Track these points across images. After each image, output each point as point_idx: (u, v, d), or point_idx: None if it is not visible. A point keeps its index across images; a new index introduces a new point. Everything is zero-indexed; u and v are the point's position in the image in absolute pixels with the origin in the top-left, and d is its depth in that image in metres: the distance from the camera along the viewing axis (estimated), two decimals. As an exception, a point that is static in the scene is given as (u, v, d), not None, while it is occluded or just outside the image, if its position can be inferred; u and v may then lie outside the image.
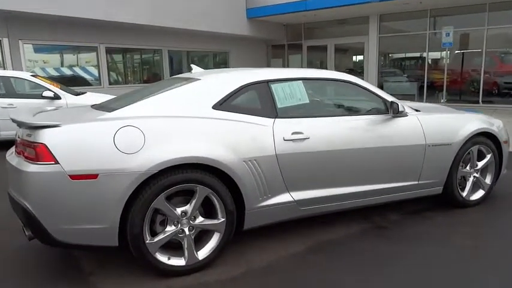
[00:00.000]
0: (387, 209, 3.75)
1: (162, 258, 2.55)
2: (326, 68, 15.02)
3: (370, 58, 13.83)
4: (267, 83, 2.99)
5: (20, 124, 2.48)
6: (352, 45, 14.81)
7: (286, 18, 14.20)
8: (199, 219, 2.64)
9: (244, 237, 3.09)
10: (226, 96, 2.82)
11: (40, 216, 2.31)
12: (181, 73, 13.63)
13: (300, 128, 2.92)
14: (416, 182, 3.48)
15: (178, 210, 2.56)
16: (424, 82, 13.24)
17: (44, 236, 2.37)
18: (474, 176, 3.86)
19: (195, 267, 2.63)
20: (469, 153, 3.75)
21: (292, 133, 2.89)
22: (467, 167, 3.81)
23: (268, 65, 16.64)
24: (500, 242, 3.06)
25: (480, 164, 3.86)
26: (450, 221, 3.53)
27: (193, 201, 2.58)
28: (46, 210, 2.32)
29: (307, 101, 3.09)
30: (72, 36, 10.39)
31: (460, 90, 12.85)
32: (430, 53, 13.09)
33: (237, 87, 2.88)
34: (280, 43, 16.03)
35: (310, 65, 15.70)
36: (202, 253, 2.66)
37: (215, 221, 2.67)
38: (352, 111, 3.35)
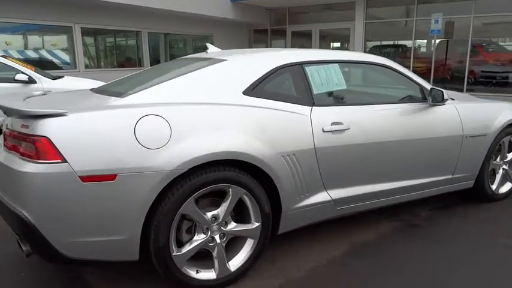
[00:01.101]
0: (414, 205, 3.45)
1: (191, 272, 2.15)
2: (310, 54, 14.67)
3: (356, 44, 13.57)
4: (301, 65, 2.59)
5: (11, 112, 1.99)
6: (337, 32, 14.49)
7: (270, 1, 13.70)
8: (232, 225, 2.24)
9: (271, 241, 2.72)
10: (258, 80, 2.41)
11: (42, 227, 1.85)
12: (159, 57, 13.00)
13: (340, 118, 2.56)
14: (450, 176, 3.20)
15: (209, 215, 2.15)
16: (410, 69, 13.12)
17: (48, 251, 1.91)
18: (503, 169, 3.63)
19: (226, 281, 2.24)
20: (500, 144, 3.50)
21: (332, 123, 2.52)
22: (497, 159, 3.57)
23: (250, 51, 16.10)
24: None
25: (510, 156, 3.63)
26: (483, 217, 3.29)
27: (226, 204, 2.18)
28: (50, 221, 1.86)
29: (345, 87, 2.72)
30: (43, 15, 9.54)
31: (445, 78, 12.83)
32: (416, 41, 12.96)
33: (270, 69, 2.47)
34: (263, 28, 15.51)
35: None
36: (234, 263, 2.28)
37: (249, 226, 2.28)
38: (390, 98, 3.01)
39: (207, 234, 2.17)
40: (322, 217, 2.63)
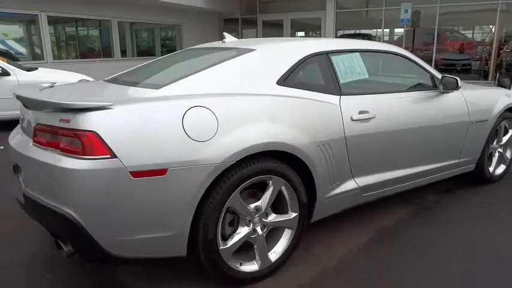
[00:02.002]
0: (420, 190, 3.57)
1: (235, 265, 2.12)
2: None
3: (327, 34, 13.73)
4: (327, 54, 2.59)
5: (47, 105, 1.87)
6: (309, 21, 14.60)
7: (242, -10, 13.60)
8: (272, 216, 2.23)
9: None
10: (289, 69, 2.38)
11: (89, 226, 1.76)
12: (125, 46, 12.51)
13: (365, 106, 2.59)
14: (457, 160, 3.33)
15: (251, 207, 2.13)
16: (379, 58, 13.44)
17: (93, 250, 1.82)
18: (499, 152, 3.82)
19: (268, 272, 2.23)
20: (497, 129, 3.68)
21: (359, 112, 2.54)
22: (494, 143, 3.75)
23: (221, 40, 15.89)
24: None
25: (504, 139, 3.83)
26: (484, 198, 3.47)
27: (267, 195, 2.16)
28: (98, 218, 1.77)
29: (367, 76, 2.75)
30: (6, 1, 8.96)
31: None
32: (385, 30, 13.28)
33: (300, 59, 2.45)
34: (233, 17, 15.37)
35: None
36: (274, 254, 2.27)
37: (288, 217, 2.27)
38: (406, 86, 3.06)
39: (249, 227, 2.14)
40: (349, 205, 2.67)
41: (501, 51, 10.06)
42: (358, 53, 2.75)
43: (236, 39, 2.96)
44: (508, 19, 12.41)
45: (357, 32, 14.62)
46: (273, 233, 2.30)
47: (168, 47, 14.40)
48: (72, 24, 11.16)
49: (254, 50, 2.43)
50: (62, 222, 1.78)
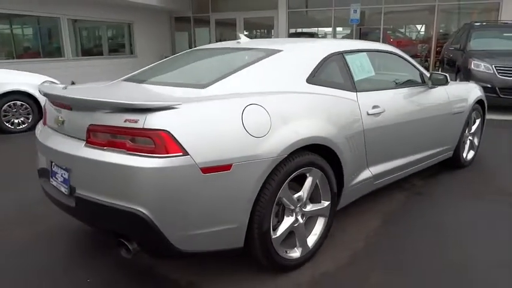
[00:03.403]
0: (409, 177, 3.90)
1: (283, 253, 2.26)
2: (236, 42, 14.82)
3: (280, 33, 14.08)
4: (342, 54, 2.80)
5: (108, 106, 1.88)
6: (262, 20, 14.86)
7: (193, -12, 13.53)
8: (310, 206, 2.40)
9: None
10: (315, 68, 2.56)
11: (160, 222, 1.81)
12: (72, 45, 11.88)
13: (376, 102, 2.83)
14: (442, 148, 3.71)
15: (295, 198, 2.28)
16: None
17: (162, 246, 1.88)
18: (469, 139, 4.28)
19: (307, 257, 2.40)
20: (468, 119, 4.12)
21: (373, 107, 2.78)
22: (466, 131, 4.20)
23: (172, 39, 15.73)
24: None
25: (473, 128, 4.29)
26: (462, 180, 3.89)
27: (307, 186, 2.32)
28: (169, 215, 1.83)
29: (373, 74, 3.00)
30: None
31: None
32: (336, 29, 13.89)
33: (322, 58, 2.64)
34: (185, 15, 15.22)
35: (221, 40, 15.32)
36: (311, 241, 2.44)
37: (321, 206, 2.45)
38: (403, 82, 3.36)
39: (293, 216, 2.29)
40: (364, 192, 2.91)
41: (443, 48, 10.96)
42: (365, 53, 2.99)
43: (248, 39, 3.07)
44: (445, 18, 13.55)
45: (303, 30, 15.11)
46: (308, 222, 2.47)
47: (118, 46, 13.97)
48: (16, 21, 10.46)
49: (281, 50, 2.58)
50: (132, 221, 1.82)
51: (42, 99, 6.31)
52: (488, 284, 2.23)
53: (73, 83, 7.13)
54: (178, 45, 15.69)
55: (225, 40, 13.43)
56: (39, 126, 2.56)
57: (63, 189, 2.17)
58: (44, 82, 6.43)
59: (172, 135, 1.78)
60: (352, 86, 2.73)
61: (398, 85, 3.23)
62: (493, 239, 2.73)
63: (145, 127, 1.78)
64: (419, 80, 3.46)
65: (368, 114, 2.73)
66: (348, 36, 14.35)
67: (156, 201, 1.80)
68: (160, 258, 2.03)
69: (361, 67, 2.89)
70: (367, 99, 2.77)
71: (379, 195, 3.43)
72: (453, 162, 4.11)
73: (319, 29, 15.14)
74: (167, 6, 13.78)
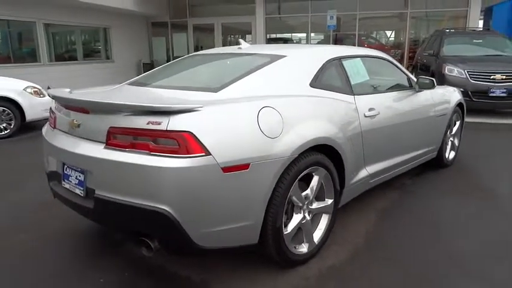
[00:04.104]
0: (398, 176, 4.10)
1: (293, 248, 2.37)
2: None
3: (258, 38, 14.26)
4: (340, 59, 2.95)
5: (133, 109, 1.95)
6: (240, 26, 14.99)
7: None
8: (315, 203, 2.52)
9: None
10: (317, 73, 2.70)
11: (184, 220, 1.89)
12: (33, 49, 11.35)
13: (371, 105, 2.99)
14: (428, 148, 3.92)
15: (303, 196, 2.40)
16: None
17: (184, 244, 1.96)
18: (450, 140, 4.53)
19: (313, 253, 2.52)
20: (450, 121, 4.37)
21: (369, 109, 2.94)
22: (448, 133, 4.44)
23: (150, 44, 15.64)
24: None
25: (454, 130, 4.54)
26: (447, 178, 4.12)
27: (314, 184, 2.45)
28: (192, 213, 1.91)
29: (368, 78, 3.17)
30: None
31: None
32: (311, 34, 14.19)
33: (323, 63, 2.78)
34: (163, 20, 15.17)
35: (198, 45, 15.36)
36: (316, 237, 2.56)
37: (326, 203, 2.58)
38: (393, 87, 3.54)
39: (301, 214, 2.41)
40: (361, 191, 3.06)
41: (416, 53, 11.40)
42: (359, 59, 3.15)
43: (249, 45, 3.18)
44: (416, 25, 14.09)
45: (278, 36, 15.35)
46: (313, 219, 2.58)
47: (94, 51, 13.77)
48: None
49: (285, 56, 2.70)
50: (156, 219, 1.89)
51: (26, 105, 6.26)
52: (478, 266, 2.41)
53: (48, 88, 7.03)
54: (155, 51, 15.62)
55: (201, 46, 13.46)
56: (47, 129, 2.58)
57: (78, 191, 2.20)
58: (26, 88, 6.35)
59: (195, 136, 1.86)
60: (350, 89, 2.88)
61: (389, 89, 3.42)
62: (480, 230, 2.94)
63: (168, 129, 1.86)
64: (407, 84, 3.66)
65: (365, 116, 2.88)
66: (324, 42, 14.69)
67: (180, 199, 1.87)
68: (180, 255, 2.09)
69: (356, 72, 3.05)
70: (364, 102, 2.93)
71: (374, 194, 3.59)
72: (437, 162, 4.33)
73: (292, 34, 15.45)
74: (144, 11, 13.71)
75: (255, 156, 2.02)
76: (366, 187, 3.10)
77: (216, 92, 2.26)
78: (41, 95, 6.63)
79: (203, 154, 1.87)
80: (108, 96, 2.29)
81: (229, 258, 2.50)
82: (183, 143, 1.85)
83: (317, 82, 2.66)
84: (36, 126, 6.96)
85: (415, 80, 3.70)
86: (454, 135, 4.56)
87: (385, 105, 3.13)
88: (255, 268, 2.41)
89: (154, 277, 2.36)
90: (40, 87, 6.77)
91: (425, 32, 14.00)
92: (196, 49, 15.15)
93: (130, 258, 2.56)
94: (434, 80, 3.60)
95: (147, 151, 1.89)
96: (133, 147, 1.93)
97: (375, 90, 3.21)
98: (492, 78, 7.43)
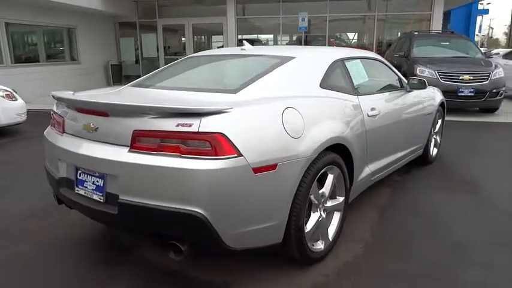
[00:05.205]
0: (388, 174, 4.25)
1: (311, 246, 2.41)
2: (185, 50, 14.77)
3: (229, 39, 14.24)
4: (343, 61, 3.03)
5: (160, 111, 1.91)
6: (211, 26, 14.91)
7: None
8: (330, 201, 2.57)
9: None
10: (325, 74, 2.75)
11: (216, 222, 1.88)
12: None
13: (373, 105, 3.09)
14: (417, 146, 4.09)
15: (319, 194, 2.44)
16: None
17: (215, 245, 1.95)
18: (434, 138, 4.73)
19: (328, 250, 2.57)
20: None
21: (371, 109, 3.03)
22: (432, 131, 4.64)
23: (118, 45, 15.26)
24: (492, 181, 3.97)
25: (437, 127, 4.76)
26: (433, 174, 4.32)
27: (329, 183, 2.50)
28: (224, 215, 1.91)
29: (367, 79, 3.26)
30: None
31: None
32: (283, 36, 14.34)
33: (329, 64, 2.84)
34: (131, 20, 14.84)
35: (167, 46, 15.13)
36: (330, 234, 2.61)
37: (338, 201, 2.64)
38: (387, 87, 3.66)
39: (318, 212, 2.45)
40: (364, 187, 3.15)
41: (385, 54, 11.78)
42: (359, 60, 3.25)
43: (252, 46, 3.19)
44: (383, 27, 14.55)
45: (249, 37, 15.43)
46: (327, 216, 2.64)
47: (60, 52, 13.27)
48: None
49: (294, 57, 2.74)
50: (188, 222, 1.87)
51: (-1, 109, 5.93)
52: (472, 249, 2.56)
53: (14, 92, 6.73)
54: (123, 51, 15.27)
55: (169, 47, 13.24)
56: (52, 133, 2.48)
57: (96, 197, 2.14)
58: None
59: (228, 138, 1.86)
60: (353, 90, 2.97)
61: (384, 89, 3.53)
62: (473, 220, 3.13)
63: (200, 130, 1.84)
64: (399, 85, 3.79)
65: (368, 115, 2.97)
66: (294, 43, 14.89)
67: (213, 201, 1.87)
68: (213, 255, 2.07)
69: (357, 73, 3.14)
70: (366, 102, 3.02)
71: (370, 192, 3.70)
72: (422, 159, 4.52)
73: (263, 35, 15.56)
74: (111, 10, 13.37)
75: (281, 157, 2.04)
76: (367, 184, 3.19)
77: (235, 93, 2.27)
78: (13, 99, 6.34)
79: (235, 155, 1.87)
80: (128, 99, 2.23)
81: (248, 260, 2.50)
82: (216, 145, 1.84)
83: (325, 83, 2.72)
84: (8, 131, 6.64)
85: (405, 80, 3.85)
86: (436, 133, 4.77)
87: (384, 105, 3.24)
88: (275, 269, 2.43)
89: (173, 280, 2.33)
90: (12, 90, 6.47)
91: (392, 34, 14.52)
92: (165, 50, 14.94)
93: (144, 263, 2.51)
94: (425, 80, 3.75)
95: (177, 153, 1.87)
96: (161, 150, 1.90)
97: (374, 90, 3.32)
98: (461, 79, 7.83)
